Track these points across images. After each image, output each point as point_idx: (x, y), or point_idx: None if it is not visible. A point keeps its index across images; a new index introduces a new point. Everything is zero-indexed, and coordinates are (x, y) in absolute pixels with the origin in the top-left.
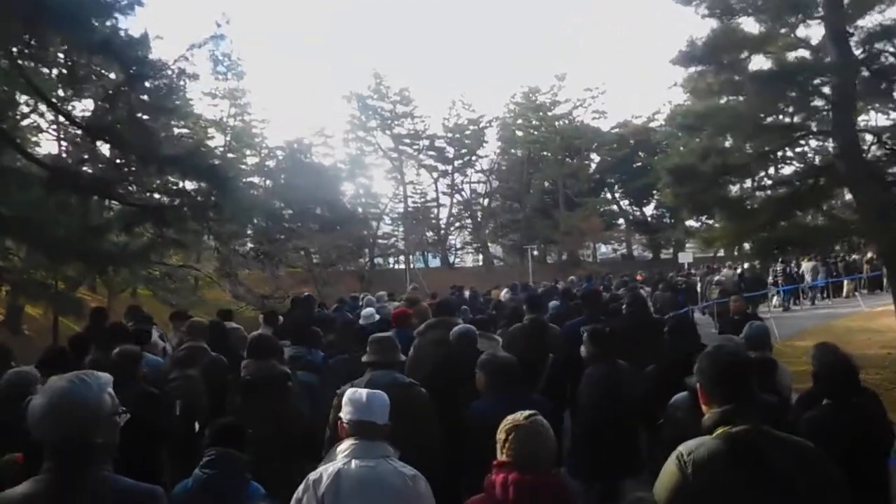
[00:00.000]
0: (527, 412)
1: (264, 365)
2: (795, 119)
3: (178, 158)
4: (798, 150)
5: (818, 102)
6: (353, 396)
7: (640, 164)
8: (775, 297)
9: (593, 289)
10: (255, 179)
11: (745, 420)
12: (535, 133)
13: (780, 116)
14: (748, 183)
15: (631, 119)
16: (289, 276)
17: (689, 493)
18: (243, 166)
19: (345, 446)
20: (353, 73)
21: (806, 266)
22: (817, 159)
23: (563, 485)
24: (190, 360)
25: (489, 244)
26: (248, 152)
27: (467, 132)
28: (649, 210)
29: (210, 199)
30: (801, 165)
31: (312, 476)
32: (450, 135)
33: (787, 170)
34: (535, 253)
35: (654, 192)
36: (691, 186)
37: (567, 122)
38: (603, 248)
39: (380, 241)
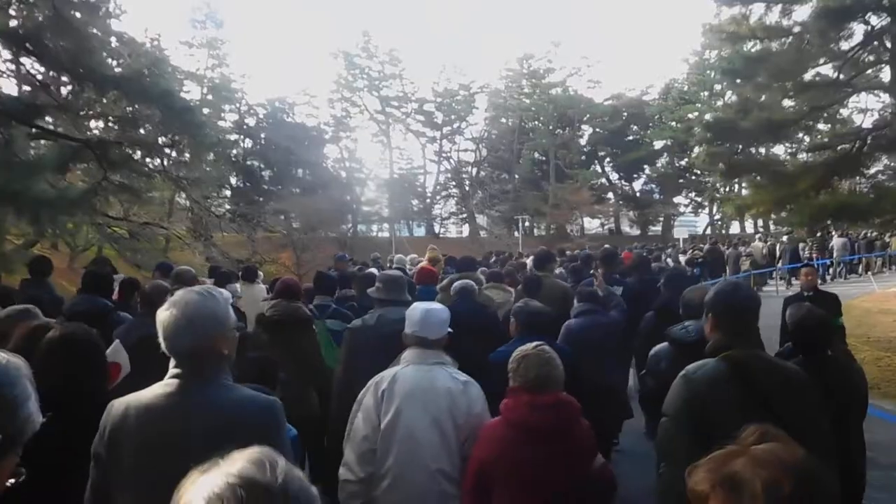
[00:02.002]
0: (534, 343)
1: (291, 306)
2: (848, 72)
3: (124, 79)
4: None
5: (871, 57)
6: (411, 312)
7: (632, 137)
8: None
9: (611, 250)
10: (234, 137)
11: (744, 346)
12: (528, 101)
13: (832, 68)
14: (788, 146)
15: (625, 91)
16: (266, 240)
17: (693, 406)
18: (221, 122)
19: (406, 353)
20: (340, 31)
21: (837, 242)
22: (868, 121)
23: (574, 403)
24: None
25: (476, 214)
26: (226, 108)
27: (457, 97)
28: (638, 185)
29: (166, 135)
30: (850, 127)
31: (375, 378)
32: (439, 99)
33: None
34: (527, 224)
35: (645, 166)
36: (730, 144)
37: (561, 90)
38: (589, 223)
39: (363, 207)
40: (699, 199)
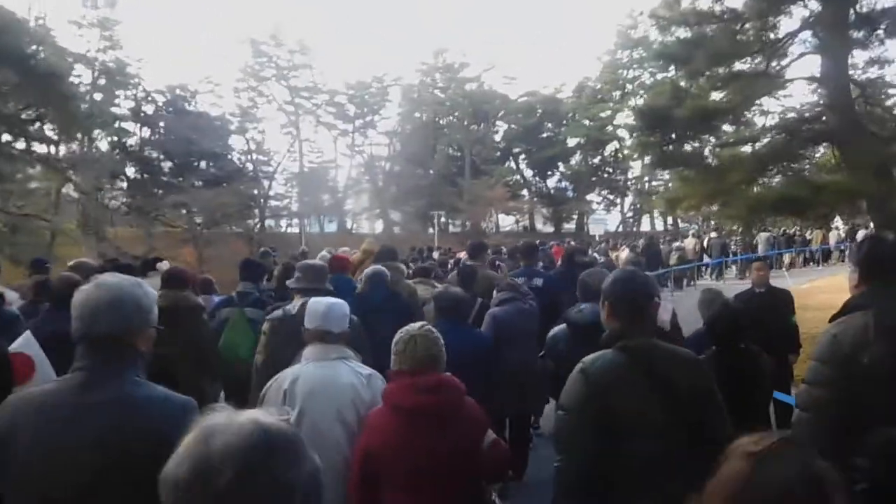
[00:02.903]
0: (419, 324)
1: (178, 295)
2: (780, 62)
3: None
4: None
5: (803, 47)
6: (312, 307)
7: (546, 134)
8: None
9: (532, 243)
10: (130, 126)
11: (640, 335)
12: (442, 95)
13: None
14: (716, 139)
15: (539, 89)
16: (166, 235)
17: (591, 399)
18: (115, 109)
19: (306, 350)
20: (247, 16)
21: (761, 237)
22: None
23: (459, 383)
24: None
25: (390, 210)
26: (121, 94)
27: (370, 90)
28: (552, 182)
29: (29, 107)
30: (779, 120)
31: (276, 378)
32: (351, 92)
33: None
34: (443, 220)
35: (559, 163)
36: (663, 134)
37: (476, 85)
38: (504, 220)
39: (272, 201)
40: (611, 197)
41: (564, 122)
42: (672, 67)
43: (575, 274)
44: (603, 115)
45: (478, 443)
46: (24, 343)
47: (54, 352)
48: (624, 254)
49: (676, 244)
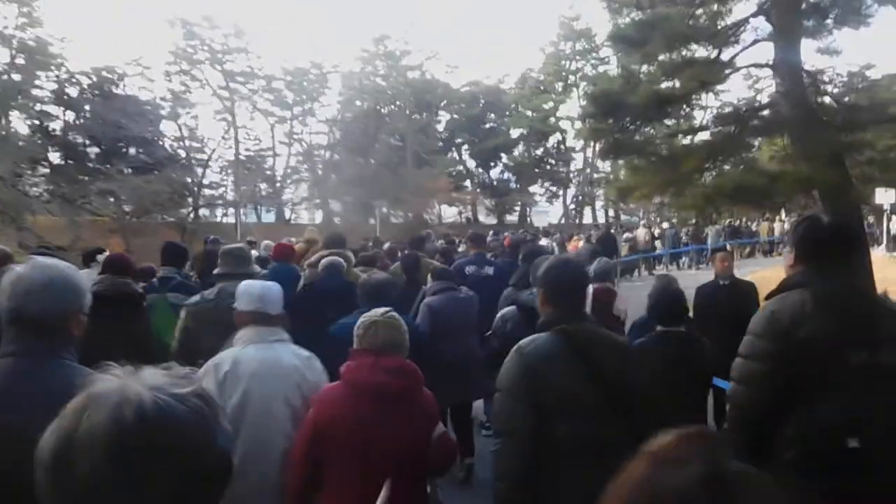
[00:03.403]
0: (383, 309)
1: (118, 281)
2: (733, 48)
3: None
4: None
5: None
6: (246, 289)
7: (489, 125)
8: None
9: (479, 232)
10: (52, 109)
11: (576, 320)
12: (384, 83)
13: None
14: (668, 126)
15: (482, 79)
16: (92, 224)
17: (525, 377)
18: (36, 90)
19: (241, 333)
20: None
21: (711, 229)
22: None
23: (417, 369)
24: None
25: (330, 200)
26: (42, 75)
27: (309, 76)
28: (495, 174)
29: None
30: (731, 110)
31: (212, 361)
32: (289, 78)
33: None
34: (385, 210)
35: (502, 154)
36: (615, 121)
37: (418, 73)
38: (447, 211)
39: (206, 189)
40: (554, 189)
41: (507, 112)
42: (622, 52)
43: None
44: (546, 106)
45: (428, 433)
46: None
47: None
48: (580, 243)
49: (627, 234)
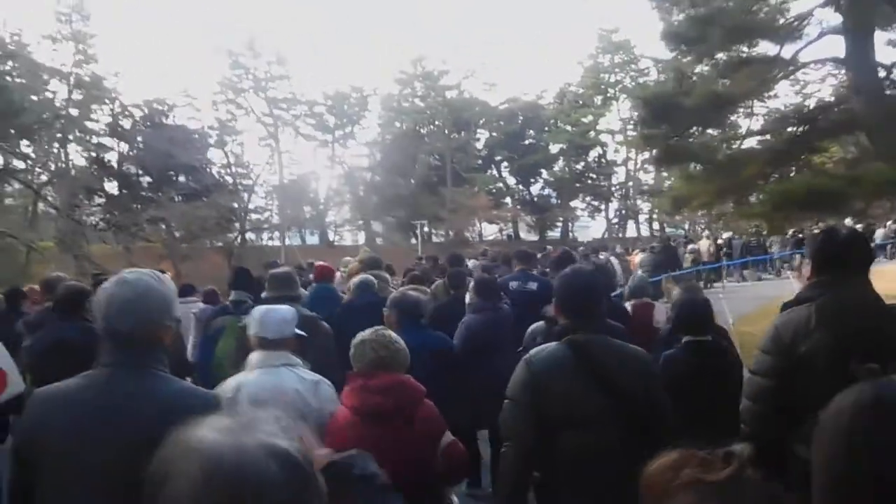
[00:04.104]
0: (372, 329)
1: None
2: (796, 43)
3: None
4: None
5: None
6: (254, 315)
7: (528, 141)
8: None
9: (524, 249)
10: (107, 141)
11: (586, 330)
12: (422, 104)
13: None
14: (723, 132)
15: (520, 95)
16: (143, 251)
17: (535, 390)
18: (92, 123)
19: (251, 357)
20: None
21: (775, 238)
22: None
23: (413, 382)
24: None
25: (371, 221)
26: (97, 108)
27: (349, 100)
28: (536, 190)
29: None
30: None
31: (222, 384)
32: (330, 102)
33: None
34: (426, 229)
35: (542, 170)
36: (669, 126)
37: (456, 93)
38: (487, 229)
39: (252, 214)
40: (596, 203)
41: (546, 128)
42: (676, 51)
43: None
44: (585, 120)
45: (433, 446)
46: None
47: (58, 359)
48: (638, 257)
49: (691, 246)
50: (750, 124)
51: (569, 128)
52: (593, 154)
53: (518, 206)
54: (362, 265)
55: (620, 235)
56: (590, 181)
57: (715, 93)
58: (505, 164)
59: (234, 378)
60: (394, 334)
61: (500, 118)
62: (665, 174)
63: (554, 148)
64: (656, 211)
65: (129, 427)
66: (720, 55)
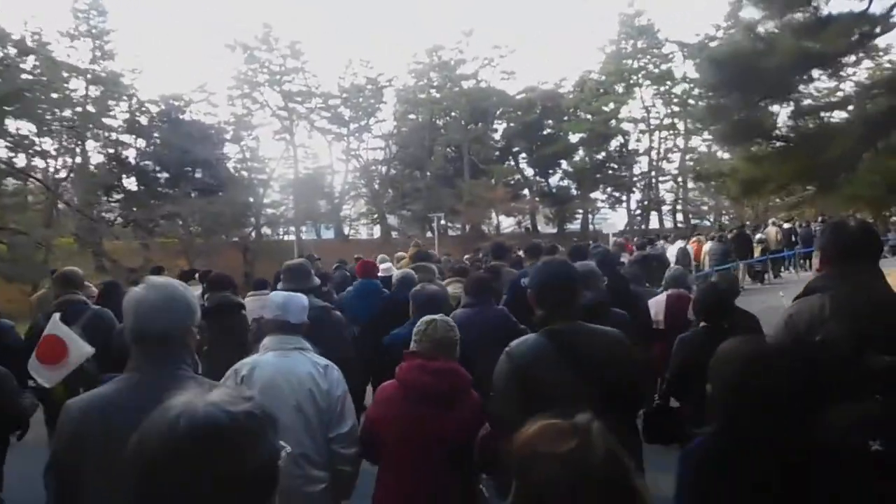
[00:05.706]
0: (440, 314)
1: (220, 296)
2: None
3: None
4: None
5: None
6: (272, 298)
7: (547, 131)
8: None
9: (536, 242)
10: (125, 138)
11: (563, 319)
12: (438, 94)
13: None
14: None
15: (538, 84)
16: (160, 246)
17: (516, 380)
18: (109, 120)
19: (264, 341)
20: (237, 23)
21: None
22: None
23: (465, 373)
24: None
25: (387, 215)
26: (114, 105)
27: (364, 93)
28: (555, 181)
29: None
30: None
31: (237, 365)
32: (345, 95)
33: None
34: (443, 222)
35: (561, 161)
36: (743, 93)
37: (473, 82)
38: (505, 221)
39: (267, 209)
40: (617, 194)
41: (566, 117)
42: (754, 5)
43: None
44: (606, 108)
45: (472, 431)
46: (53, 326)
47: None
48: (707, 245)
49: (759, 235)
50: (838, 90)
51: (589, 116)
52: (614, 143)
53: (536, 198)
54: (411, 260)
55: (643, 227)
56: (611, 171)
57: (805, 50)
58: (523, 154)
59: (248, 359)
60: (452, 321)
61: (519, 108)
62: (727, 154)
63: (574, 137)
64: (680, 200)
65: None
66: (798, 14)
